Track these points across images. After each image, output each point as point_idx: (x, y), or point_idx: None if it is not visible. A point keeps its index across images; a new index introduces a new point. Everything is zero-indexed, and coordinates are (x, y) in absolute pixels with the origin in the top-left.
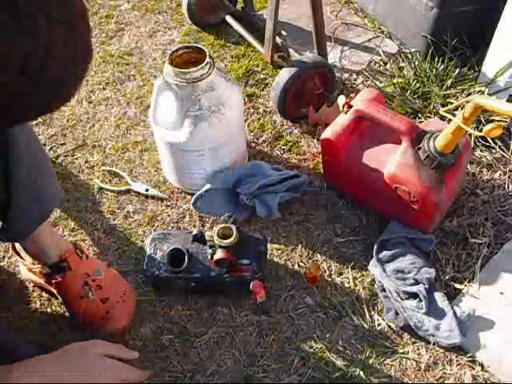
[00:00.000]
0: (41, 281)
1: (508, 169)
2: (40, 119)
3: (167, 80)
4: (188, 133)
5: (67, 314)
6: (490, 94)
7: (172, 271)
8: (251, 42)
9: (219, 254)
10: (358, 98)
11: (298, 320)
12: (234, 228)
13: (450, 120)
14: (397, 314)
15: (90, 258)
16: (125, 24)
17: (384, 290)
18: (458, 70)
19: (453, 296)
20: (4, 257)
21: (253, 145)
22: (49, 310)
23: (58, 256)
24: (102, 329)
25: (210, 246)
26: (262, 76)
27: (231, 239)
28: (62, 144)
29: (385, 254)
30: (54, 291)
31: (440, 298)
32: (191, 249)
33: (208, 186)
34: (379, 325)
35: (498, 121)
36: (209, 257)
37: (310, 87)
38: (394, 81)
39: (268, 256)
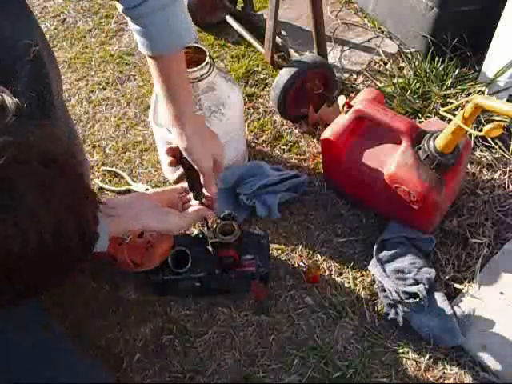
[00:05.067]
0: None
1: (508, 169)
2: None
3: None
4: None
5: None
6: (490, 94)
7: (176, 273)
8: (251, 42)
9: (222, 251)
10: (358, 98)
11: (298, 320)
12: (235, 224)
13: (450, 120)
14: (397, 314)
15: None
16: (125, 24)
17: (384, 290)
18: (457, 70)
19: (453, 296)
20: None
21: (253, 145)
22: None
23: None
24: (156, 254)
25: (212, 244)
26: (262, 76)
27: (233, 235)
28: None
29: (385, 253)
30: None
31: (440, 298)
32: (193, 249)
33: None
34: (379, 325)
35: (497, 121)
36: (212, 255)
37: (310, 87)
38: (394, 81)
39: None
